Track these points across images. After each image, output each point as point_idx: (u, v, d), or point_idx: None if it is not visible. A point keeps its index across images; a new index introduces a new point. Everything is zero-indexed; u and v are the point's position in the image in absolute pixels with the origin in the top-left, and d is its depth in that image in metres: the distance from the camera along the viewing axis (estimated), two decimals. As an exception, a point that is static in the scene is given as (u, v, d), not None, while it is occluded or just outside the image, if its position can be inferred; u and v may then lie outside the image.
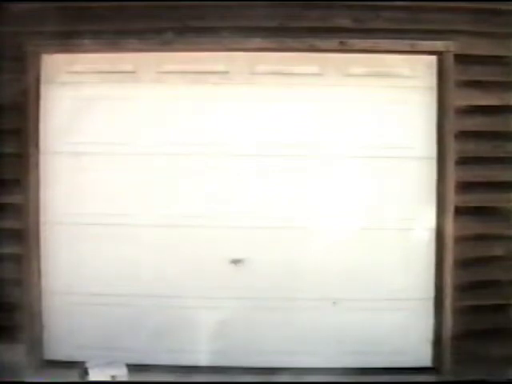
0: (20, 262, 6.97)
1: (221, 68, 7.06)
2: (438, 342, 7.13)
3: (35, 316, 7.08)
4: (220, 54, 6.95)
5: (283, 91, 7.00)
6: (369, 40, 6.80)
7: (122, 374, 6.17)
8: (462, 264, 6.98)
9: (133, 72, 7.07)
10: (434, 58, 7.01)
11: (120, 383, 5.70)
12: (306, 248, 7.10)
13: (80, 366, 6.26)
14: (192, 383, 6.61)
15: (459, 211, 6.97)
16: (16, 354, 6.87)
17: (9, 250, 6.94)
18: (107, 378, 6.12)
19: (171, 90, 7.05)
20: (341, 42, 6.79)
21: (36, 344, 7.08)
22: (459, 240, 6.99)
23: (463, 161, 6.92)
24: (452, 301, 7.02)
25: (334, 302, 7.05)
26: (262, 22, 6.75)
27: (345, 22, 6.80)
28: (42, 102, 7.02)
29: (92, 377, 6.13)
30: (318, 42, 6.81)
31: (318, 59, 6.98)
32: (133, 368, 6.28)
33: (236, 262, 7.05)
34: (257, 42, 6.74)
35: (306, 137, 7.10)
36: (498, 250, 6.98)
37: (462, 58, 6.86)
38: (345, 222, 7.13)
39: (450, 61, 6.89)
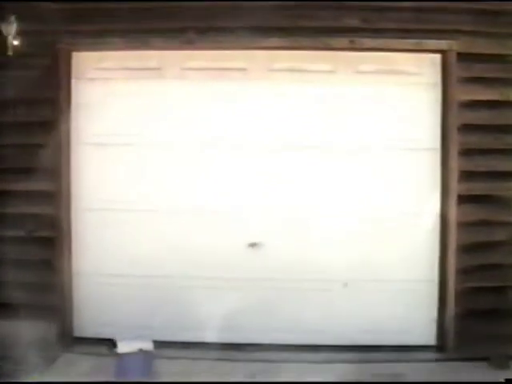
0: (52, 245, 7.19)
1: (240, 65, 7.24)
2: (441, 321, 7.29)
3: (66, 296, 7.31)
4: (239, 52, 7.13)
5: (298, 87, 7.18)
6: (377, 39, 6.98)
7: (149, 347, 6.42)
8: (465, 248, 7.14)
9: (158, 69, 7.27)
10: (438, 56, 7.18)
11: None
12: (318, 233, 7.28)
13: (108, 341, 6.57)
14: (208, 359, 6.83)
15: (462, 199, 7.12)
16: (48, 331, 7.07)
17: (42, 233, 7.17)
18: (134, 350, 6.35)
19: (193, 86, 7.23)
20: (351, 41, 6.98)
21: (66, 322, 7.30)
22: (462, 226, 7.14)
23: (466, 152, 7.09)
24: (455, 283, 7.18)
25: (344, 284, 7.23)
26: (278, 22, 6.93)
27: (355, 22, 6.99)
28: (73, 96, 7.24)
29: (120, 349, 6.38)
30: (330, 41, 7.00)
31: (330, 57, 7.16)
32: (155, 344, 6.52)
33: (253, 245, 7.25)
34: (273, 41, 6.93)
35: (319, 129, 7.28)
36: (499, 236, 7.13)
37: (464, 56, 7.02)
38: (355, 208, 7.31)
39: (453, 59, 7.06)
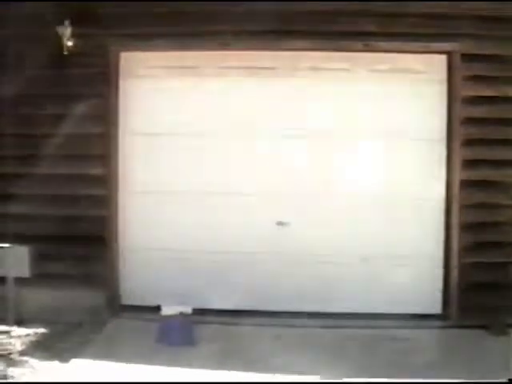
0: (103, 223, 7.90)
1: (269, 64, 7.92)
2: (446, 293, 7.94)
3: (115, 268, 8.02)
4: (268, 52, 7.83)
5: (320, 83, 7.88)
6: (390, 42, 7.65)
7: (188, 311, 7.18)
8: (467, 228, 7.79)
9: (197, 67, 7.95)
10: (444, 57, 7.84)
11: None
12: (338, 214, 7.97)
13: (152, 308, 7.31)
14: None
15: (464, 184, 7.78)
16: (99, 300, 7.82)
17: (95, 213, 7.88)
18: (176, 313, 7.13)
19: (228, 82, 7.93)
20: (365, 44, 7.67)
21: (115, 291, 8.01)
22: (464, 208, 7.80)
23: (468, 142, 7.74)
24: (458, 259, 7.83)
25: (362, 259, 7.92)
26: (302, 26, 7.62)
27: (370, 27, 7.64)
28: (121, 92, 7.93)
29: (164, 312, 7.19)
30: (348, 44, 7.69)
31: (348, 58, 7.86)
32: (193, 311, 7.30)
33: (281, 224, 7.93)
34: (298, 43, 7.64)
35: (337, 121, 7.96)
36: (497, 217, 7.77)
37: (467, 57, 7.67)
38: (371, 191, 7.96)
39: (457, 59, 7.71)
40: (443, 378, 6.09)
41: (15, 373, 6.31)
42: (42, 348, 6.95)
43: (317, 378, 6.02)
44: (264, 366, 6.32)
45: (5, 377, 6.23)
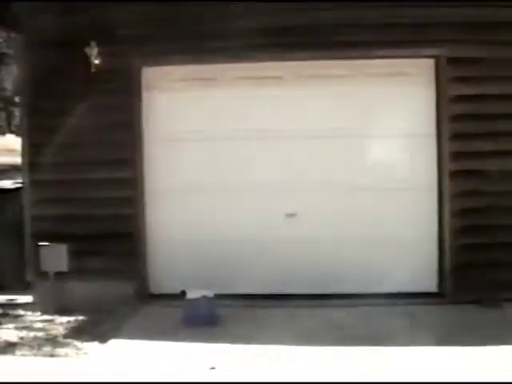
0: (132, 220, 8.73)
1: (277, 74, 8.73)
2: (441, 272, 8.62)
3: (143, 261, 8.86)
4: (275, 63, 8.62)
5: (323, 88, 8.66)
6: (384, 49, 8.38)
7: (210, 295, 7.85)
8: (457, 213, 8.47)
9: (211, 79, 8.78)
10: (432, 61, 8.57)
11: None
12: (341, 203, 8.73)
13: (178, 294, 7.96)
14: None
15: (453, 174, 8.46)
16: (130, 290, 8.60)
17: (124, 212, 8.71)
18: (199, 296, 7.77)
19: (241, 91, 8.73)
20: (363, 52, 8.41)
21: (143, 282, 8.83)
22: (454, 195, 8.48)
23: (455, 136, 8.42)
24: (450, 241, 8.50)
25: (363, 244, 8.63)
26: (305, 39, 8.38)
27: (365, 37, 8.35)
28: (144, 103, 8.77)
29: (189, 296, 7.83)
30: (345, 52, 8.45)
31: (346, 65, 8.64)
32: (217, 296, 7.90)
33: (289, 215, 8.71)
34: (301, 54, 8.42)
35: (340, 122, 8.71)
36: (483, 202, 8.42)
37: (452, 60, 8.37)
38: (372, 182, 8.69)
39: (443, 62, 8.43)
40: (443, 343, 6.77)
41: (61, 352, 7.12)
42: (83, 332, 7.73)
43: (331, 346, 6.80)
44: (279, 339, 7.03)
45: (53, 355, 7.07)
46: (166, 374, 6.23)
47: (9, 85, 32.23)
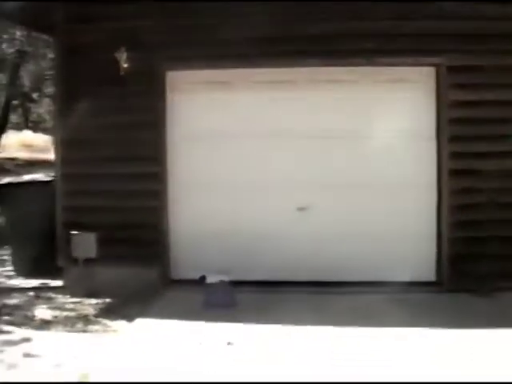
0: (156, 211, 9.38)
1: (291, 78, 9.32)
2: (439, 263, 9.19)
3: (166, 248, 9.47)
4: (289, 69, 9.21)
5: (332, 93, 9.28)
6: (388, 58, 8.96)
7: (227, 278, 8.47)
8: (455, 208, 9.04)
9: (230, 82, 9.42)
10: (433, 69, 9.13)
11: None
12: (348, 199, 9.34)
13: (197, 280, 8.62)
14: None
15: (452, 173, 9.02)
16: (153, 275, 9.23)
17: (149, 203, 9.36)
18: (217, 281, 8.42)
19: (257, 94, 9.36)
20: (368, 60, 9.01)
21: (166, 268, 9.46)
22: (452, 192, 9.04)
23: (454, 138, 8.98)
24: (448, 234, 9.07)
25: (368, 236, 9.23)
26: (317, 47, 9.00)
27: (371, 46, 8.93)
28: (168, 104, 9.40)
29: (208, 280, 8.48)
30: (353, 60, 9.04)
31: (354, 71, 9.21)
32: (233, 283, 8.51)
33: (301, 209, 9.34)
34: (313, 61, 9.03)
35: (348, 123, 9.30)
36: (480, 199, 8.96)
37: (452, 68, 8.91)
38: (376, 180, 9.29)
39: (443, 70, 8.99)
40: (440, 325, 7.40)
41: (93, 329, 7.85)
42: (111, 312, 8.46)
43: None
44: (290, 319, 7.69)
45: (85, 331, 7.79)
46: (186, 349, 6.89)
47: (27, 82, 32.72)
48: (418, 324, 7.46)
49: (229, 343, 6.98)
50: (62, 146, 9.61)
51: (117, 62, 9.15)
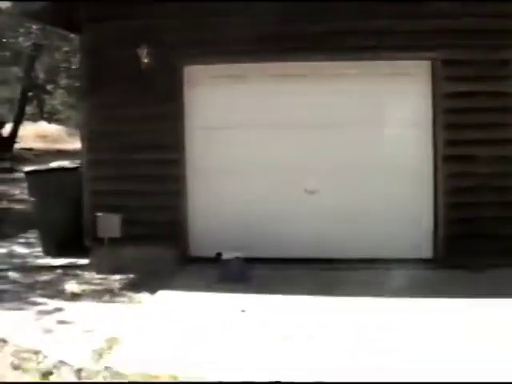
0: (175, 194, 10.12)
1: (302, 72, 9.96)
2: (435, 241, 9.81)
3: (185, 228, 10.21)
4: (300, 63, 9.86)
5: (337, 85, 9.92)
6: (388, 53, 9.58)
7: (241, 255, 9.18)
8: (450, 191, 9.63)
9: (244, 76, 10.08)
10: (429, 63, 9.72)
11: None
12: (352, 183, 10.01)
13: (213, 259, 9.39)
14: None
15: (446, 158, 9.63)
16: (171, 253, 9.94)
17: (169, 186, 10.10)
18: (233, 257, 9.13)
19: (269, 87, 10.02)
20: (370, 55, 9.62)
21: (185, 246, 10.19)
22: (447, 176, 9.64)
23: (449, 126, 9.57)
24: (444, 214, 9.70)
25: (371, 216, 9.90)
26: (324, 43, 9.62)
27: (373, 42, 9.53)
28: (186, 96, 10.11)
29: (224, 256, 9.21)
30: (356, 55, 9.67)
31: (357, 65, 9.84)
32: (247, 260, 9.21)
33: (309, 192, 10.01)
34: (321, 56, 9.68)
35: (353, 113, 9.95)
36: (473, 182, 9.57)
37: (446, 62, 9.50)
38: (377, 165, 9.92)
39: (438, 64, 9.58)
40: (436, 294, 8.15)
41: (119, 300, 8.66)
42: (134, 286, 9.24)
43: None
44: (299, 290, 8.47)
45: (112, 302, 8.61)
46: (203, 315, 7.74)
47: (41, 74, 33.43)
48: (424, 295, 8.22)
49: (242, 311, 7.79)
50: (88, 135, 10.37)
51: (138, 58, 9.83)
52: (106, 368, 6.24)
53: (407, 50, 9.63)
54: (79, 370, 6.25)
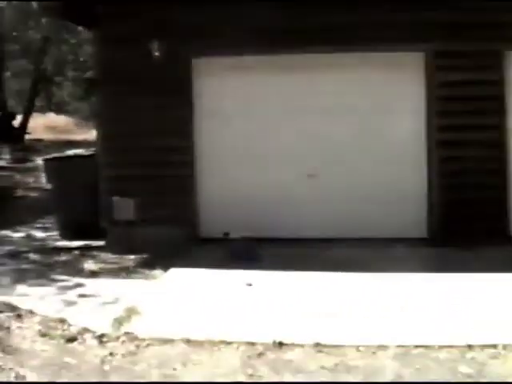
0: (186, 178, 10.77)
1: (304, 62, 10.51)
2: (430, 222, 10.40)
3: (195, 211, 10.85)
4: (303, 55, 10.42)
5: (337, 75, 10.52)
6: (384, 44, 10.15)
7: (247, 234, 9.73)
8: (443, 174, 10.23)
9: (250, 67, 10.60)
10: (422, 54, 10.28)
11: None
12: (353, 166, 10.62)
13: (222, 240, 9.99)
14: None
15: (440, 143, 10.22)
16: (183, 234, 10.55)
17: (181, 172, 10.71)
18: (239, 236, 9.73)
19: (276, 77, 10.60)
20: (368, 47, 10.21)
21: (195, 228, 10.83)
22: (441, 160, 10.24)
23: (441, 113, 10.16)
24: (437, 197, 10.29)
25: (368, 199, 10.49)
26: (325, 36, 10.15)
27: (372, 35, 10.12)
28: (194, 87, 10.77)
29: (231, 235, 9.87)
30: (355, 47, 10.27)
31: (358, 56, 10.40)
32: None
33: (310, 176, 10.61)
34: (322, 48, 10.24)
35: (350, 100, 10.53)
36: (465, 166, 10.16)
37: (438, 53, 10.08)
38: (375, 150, 10.53)
39: (431, 55, 10.16)
40: (429, 269, 8.88)
41: (135, 277, 9.31)
42: (148, 264, 9.81)
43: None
44: (301, 267, 9.11)
45: (129, 278, 9.27)
46: (212, 287, 8.45)
47: (50, 66, 33.97)
48: (414, 269, 8.91)
49: (249, 284, 8.46)
50: (103, 123, 11.07)
51: (149, 51, 10.45)
52: (126, 333, 6.92)
53: (402, 42, 10.18)
54: (101, 336, 6.92)
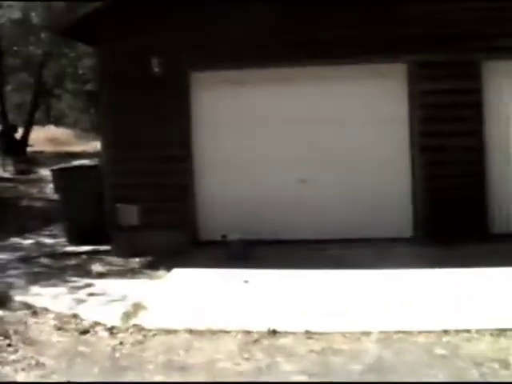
0: (186, 186, 11.39)
1: (291, 76, 11.14)
2: (415, 222, 11.00)
3: (194, 216, 11.48)
4: (291, 69, 11.08)
5: (327, 86, 11.17)
6: (370, 57, 10.76)
7: (244, 237, 10.35)
8: (426, 178, 10.79)
9: (244, 80, 11.21)
10: (405, 65, 10.92)
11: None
12: (341, 172, 11.19)
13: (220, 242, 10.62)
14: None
15: (422, 148, 10.82)
16: (184, 237, 11.17)
17: (180, 179, 11.36)
18: (236, 238, 10.34)
19: (272, 89, 11.23)
20: (353, 59, 10.83)
21: (195, 232, 11.45)
22: (423, 164, 10.82)
23: (423, 120, 10.76)
24: (421, 199, 10.87)
25: (355, 202, 11.07)
26: (315, 50, 10.80)
27: (355, 49, 10.74)
28: (193, 99, 11.41)
29: (229, 238, 10.46)
30: (341, 60, 10.88)
31: (343, 69, 11.05)
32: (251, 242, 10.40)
33: (302, 181, 11.19)
34: (311, 61, 10.88)
35: (337, 110, 11.16)
36: (445, 171, 10.75)
37: (420, 64, 10.69)
38: (361, 154, 11.09)
39: (414, 66, 10.78)
40: (414, 265, 9.41)
41: (140, 277, 9.96)
42: (152, 266, 10.48)
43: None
44: (296, 266, 9.75)
45: (133, 278, 9.92)
46: (212, 285, 9.12)
47: (49, 79, 34.55)
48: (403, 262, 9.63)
49: (246, 281, 9.14)
50: (107, 134, 11.67)
51: (150, 67, 11.10)
52: (134, 325, 7.63)
53: (386, 54, 10.82)
54: (111, 328, 7.62)
